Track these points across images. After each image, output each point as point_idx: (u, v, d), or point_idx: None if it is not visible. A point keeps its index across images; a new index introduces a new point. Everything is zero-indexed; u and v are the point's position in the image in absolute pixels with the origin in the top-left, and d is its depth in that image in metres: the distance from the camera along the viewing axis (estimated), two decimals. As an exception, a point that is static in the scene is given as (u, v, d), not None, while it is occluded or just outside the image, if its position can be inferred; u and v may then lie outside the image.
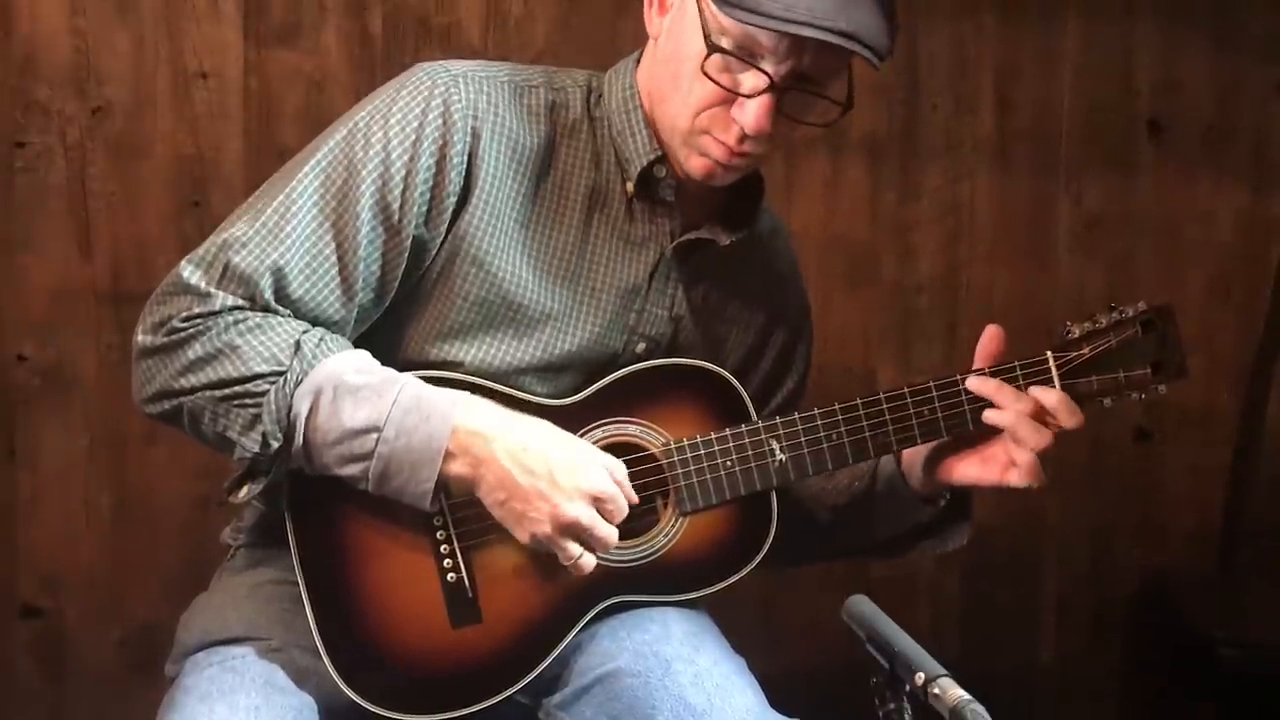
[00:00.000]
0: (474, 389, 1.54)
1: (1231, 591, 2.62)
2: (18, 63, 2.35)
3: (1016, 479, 1.59)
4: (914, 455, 1.67)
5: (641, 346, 1.66)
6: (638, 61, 1.63)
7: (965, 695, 1.15)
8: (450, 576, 1.55)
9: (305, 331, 1.48)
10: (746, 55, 1.48)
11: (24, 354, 2.40)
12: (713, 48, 1.49)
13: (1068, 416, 1.59)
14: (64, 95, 2.36)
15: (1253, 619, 2.47)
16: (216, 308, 1.46)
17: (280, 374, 1.44)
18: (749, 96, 1.49)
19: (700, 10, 1.50)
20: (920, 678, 1.18)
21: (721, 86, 1.50)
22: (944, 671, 1.18)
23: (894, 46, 1.52)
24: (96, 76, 2.37)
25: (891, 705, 1.23)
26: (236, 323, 1.46)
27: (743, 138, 1.52)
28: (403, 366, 1.53)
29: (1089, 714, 2.68)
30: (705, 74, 1.50)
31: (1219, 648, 2.32)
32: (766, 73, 1.48)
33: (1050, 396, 1.59)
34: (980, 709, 1.13)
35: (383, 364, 1.51)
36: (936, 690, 1.16)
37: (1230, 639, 2.33)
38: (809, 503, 1.77)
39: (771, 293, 1.76)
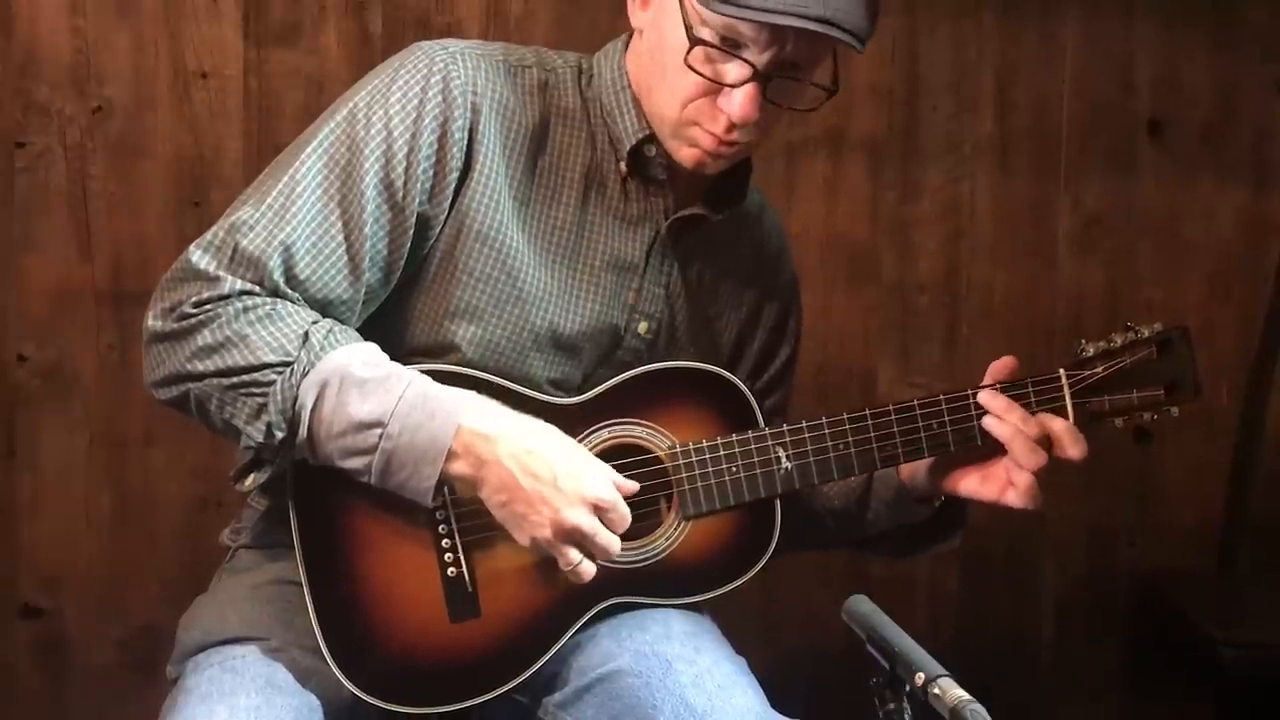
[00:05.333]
0: (480, 385, 1.54)
1: (1231, 591, 2.62)
2: (18, 63, 2.35)
3: (1014, 499, 1.61)
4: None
5: (644, 325, 1.67)
6: (626, 44, 1.65)
7: (965, 695, 1.15)
8: (450, 571, 1.55)
9: (315, 322, 1.48)
10: (730, 46, 1.49)
11: (24, 354, 2.40)
12: (695, 40, 1.50)
13: (1072, 445, 1.59)
14: (64, 95, 2.36)
15: (1253, 619, 2.47)
16: (226, 292, 1.46)
17: (288, 364, 1.45)
18: (734, 86, 1.50)
19: (681, 4, 1.51)
20: (920, 678, 1.18)
21: (706, 78, 1.51)
22: (944, 671, 1.18)
23: (875, 29, 1.52)
24: (96, 76, 2.37)
25: (891, 705, 1.23)
26: (246, 310, 1.46)
27: (730, 127, 1.53)
28: (411, 347, 1.54)
29: (1089, 714, 2.68)
30: (689, 66, 1.50)
31: (1219, 648, 2.32)
32: (750, 62, 1.49)
33: (1056, 424, 1.59)
34: (980, 709, 1.13)
35: (391, 343, 1.52)
36: (936, 690, 1.16)
37: (1230, 639, 2.33)
38: (804, 497, 1.77)
39: (762, 270, 1.78)
